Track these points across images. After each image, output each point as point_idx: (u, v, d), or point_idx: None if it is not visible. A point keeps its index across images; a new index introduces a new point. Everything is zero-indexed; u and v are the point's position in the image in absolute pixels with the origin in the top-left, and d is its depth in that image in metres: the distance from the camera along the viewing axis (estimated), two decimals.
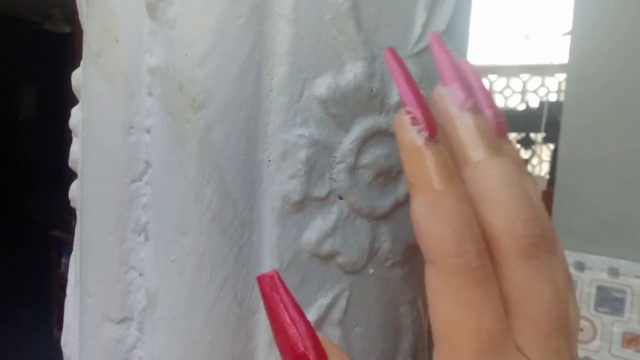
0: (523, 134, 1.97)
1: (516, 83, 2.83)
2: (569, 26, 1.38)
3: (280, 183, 0.24)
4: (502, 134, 0.21)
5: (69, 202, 0.31)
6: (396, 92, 0.25)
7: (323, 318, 0.25)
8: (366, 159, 0.25)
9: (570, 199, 1.39)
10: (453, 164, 0.20)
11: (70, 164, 0.30)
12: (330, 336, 0.25)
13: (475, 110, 0.20)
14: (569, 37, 1.36)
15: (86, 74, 0.26)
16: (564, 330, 0.19)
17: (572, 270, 1.40)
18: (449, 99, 0.20)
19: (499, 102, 2.91)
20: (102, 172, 0.26)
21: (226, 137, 0.23)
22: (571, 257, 1.39)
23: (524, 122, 1.90)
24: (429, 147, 0.19)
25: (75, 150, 0.29)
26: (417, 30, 0.24)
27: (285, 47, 0.22)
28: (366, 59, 0.23)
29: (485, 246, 0.19)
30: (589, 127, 1.33)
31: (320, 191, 0.24)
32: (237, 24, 0.22)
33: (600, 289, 1.40)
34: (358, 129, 0.24)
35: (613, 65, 1.28)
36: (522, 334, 0.19)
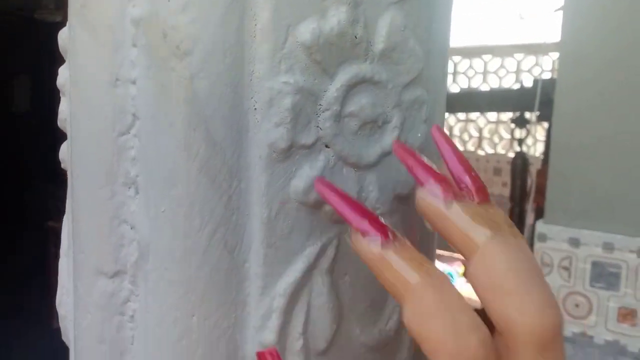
0: (518, 114, 1.97)
1: (510, 63, 2.83)
2: (561, 2, 1.37)
3: (266, 131, 0.24)
4: (485, 199, 0.20)
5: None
6: (381, 39, 0.25)
7: (312, 267, 0.26)
8: (351, 107, 0.25)
9: (564, 177, 1.39)
10: (420, 255, 0.20)
11: (59, 124, 0.30)
12: (319, 285, 0.26)
13: (459, 197, 0.20)
14: (561, 13, 1.36)
15: (71, 29, 0.26)
16: None
17: (567, 246, 1.42)
18: (431, 198, 0.20)
19: (494, 82, 2.90)
20: (90, 127, 0.26)
21: (211, 86, 0.23)
22: (566, 233, 1.40)
23: (518, 101, 1.90)
24: (388, 248, 0.20)
25: (64, 109, 0.29)
26: None
27: None
28: (350, 4, 0.23)
29: (487, 331, 0.18)
30: (582, 106, 1.33)
31: (307, 139, 0.25)
32: None
33: (595, 264, 1.41)
34: (343, 77, 0.25)
35: (606, 43, 1.28)
36: None
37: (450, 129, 3.15)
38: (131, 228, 0.26)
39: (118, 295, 0.27)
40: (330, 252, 0.26)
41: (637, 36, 1.22)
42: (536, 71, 2.75)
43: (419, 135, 0.28)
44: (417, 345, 0.19)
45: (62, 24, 0.28)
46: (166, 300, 0.25)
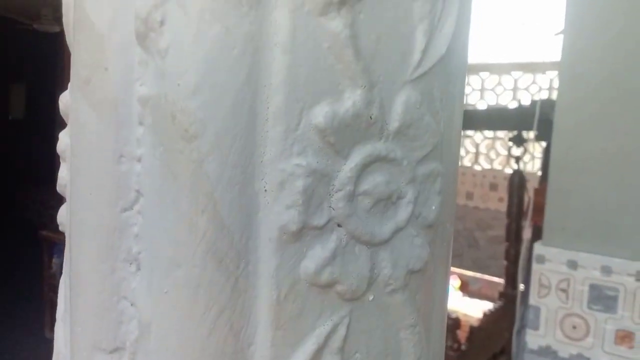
0: (515, 132, 1.98)
1: (508, 80, 2.84)
2: (560, 23, 1.38)
3: (277, 213, 0.23)
4: None
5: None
6: (396, 117, 0.24)
7: (322, 347, 0.25)
8: (365, 185, 0.24)
9: (563, 198, 1.39)
10: None
11: (58, 188, 0.29)
12: None
13: None
14: (561, 36, 1.36)
15: (74, 101, 0.25)
16: None
17: (565, 269, 1.41)
18: None
19: (491, 100, 2.91)
20: (91, 200, 0.25)
21: (221, 168, 0.22)
22: (564, 255, 1.39)
23: (516, 120, 1.90)
24: None
25: (64, 175, 0.28)
26: (416, 55, 0.24)
27: (281, 76, 0.22)
28: (365, 86, 0.23)
29: None
30: (582, 126, 1.33)
31: (319, 220, 0.24)
32: (230, 55, 0.21)
33: (593, 287, 1.40)
34: (357, 157, 0.24)
35: (606, 63, 1.28)
36: None
37: None
38: (131, 305, 0.25)
39: None
40: (341, 332, 0.25)
41: (636, 57, 1.22)
42: (533, 89, 2.76)
43: (433, 208, 0.27)
44: None
45: (60, 34, 0.27)
46: None
